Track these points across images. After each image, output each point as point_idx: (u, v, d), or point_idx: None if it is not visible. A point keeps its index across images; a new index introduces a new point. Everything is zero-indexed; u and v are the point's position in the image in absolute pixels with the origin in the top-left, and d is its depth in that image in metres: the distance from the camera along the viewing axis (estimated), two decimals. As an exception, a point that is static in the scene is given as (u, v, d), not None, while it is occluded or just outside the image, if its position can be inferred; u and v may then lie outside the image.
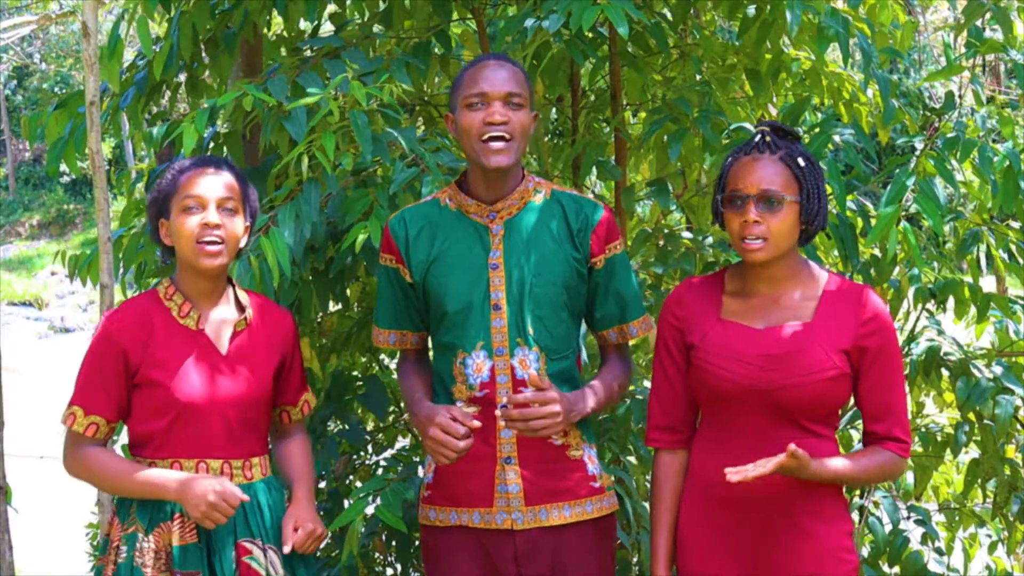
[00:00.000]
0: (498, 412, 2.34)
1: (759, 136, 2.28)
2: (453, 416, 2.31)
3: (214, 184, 2.35)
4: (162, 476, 2.31)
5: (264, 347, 2.43)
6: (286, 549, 2.34)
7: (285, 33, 3.59)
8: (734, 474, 2.11)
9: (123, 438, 2.53)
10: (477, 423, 2.32)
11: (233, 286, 2.48)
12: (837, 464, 2.23)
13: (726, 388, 2.25)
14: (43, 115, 3.38)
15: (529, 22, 2.80)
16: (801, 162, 2.25)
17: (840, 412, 2.38)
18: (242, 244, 2.41)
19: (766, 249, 2.22)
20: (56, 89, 22.05)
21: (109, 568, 2.34)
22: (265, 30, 3.54)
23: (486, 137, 2.34)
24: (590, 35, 3.17)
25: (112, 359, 2.35)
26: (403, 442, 3.91)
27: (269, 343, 2.44)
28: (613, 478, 2.73)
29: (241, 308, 2.45)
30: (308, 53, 3.23)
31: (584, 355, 3.00)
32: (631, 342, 2.59)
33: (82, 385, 2.38)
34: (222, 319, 2.41)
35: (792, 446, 2.11)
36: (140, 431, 2.37)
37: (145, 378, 2.34)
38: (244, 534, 2.35)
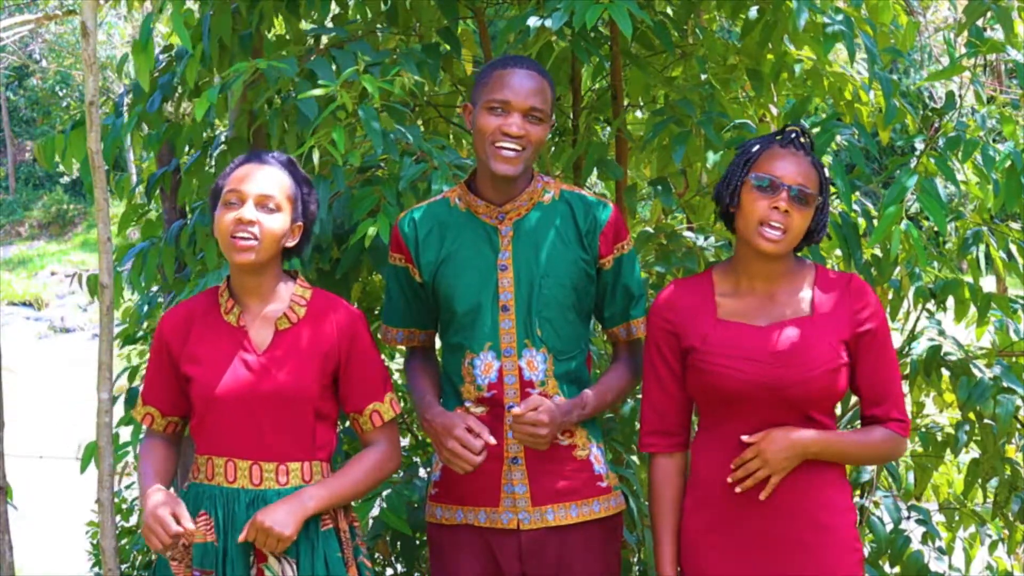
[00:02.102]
0: (510, 417, 2.33)
1: (794, 134, 2.30)
2: (469, 427, 2.32)
3: (256, 181, 2.32)
4: (147, 483, 2.35)
5: (309, 347, 2.35)
6: (240, 538, 2.27)
7: (287, 36, 3.59)
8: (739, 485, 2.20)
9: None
10: (492, 440, 2.32)
11: (297, 283, 2.42)
12: (843, 435, 2.28)
13: (735, 388, 2.25)
14: (59, 139, 3.37)
15: (533, 20, 2.79)
16: (826, 172, 2.31)
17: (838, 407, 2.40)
18: (289, 243, 2.37)
19: (783, 242, 2.23)
20: (56, 89, 22.03)
21: (154, 555, 2.41)
22: (266, 32, 3.54)
23: (498, 144, 2.34)
24: (592, 34, 3.17)
25: (159, 354, 2.42)
26: (404, 442, 3.91)
27: (316, 343, 2.36)
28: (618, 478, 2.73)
29: (291, 306, 2.39)
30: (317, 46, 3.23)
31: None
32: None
33: (145, 377, 2.48)
34: (267, 317, 2.38)
35: (745, 438, 2.22)
36: (191, 427, 2.41)
37: (184, 373, 2.37)
38: None
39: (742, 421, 2.27)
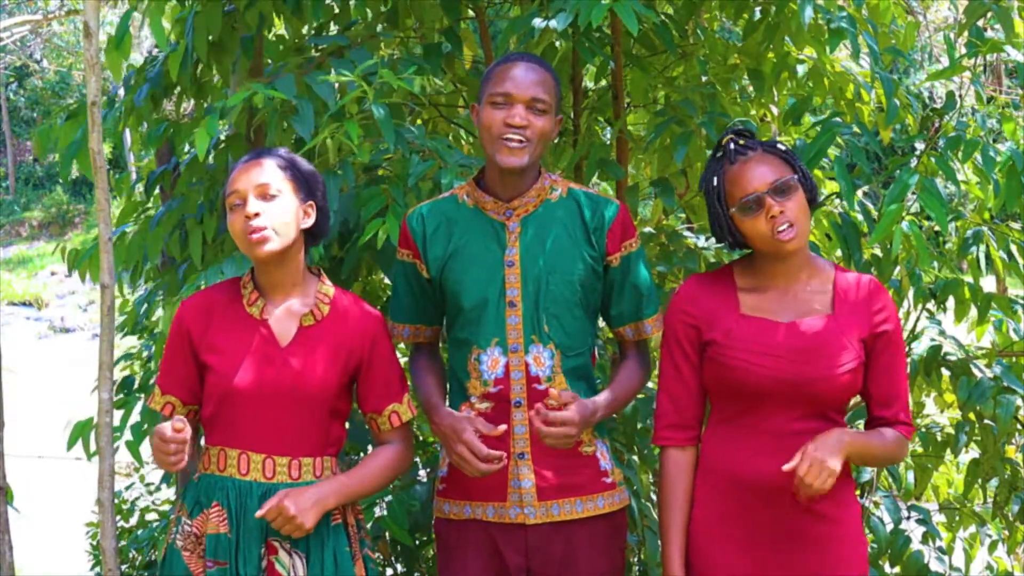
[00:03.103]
0: (535, 411, 2.31)
1: (732, 144, 2.32)
2: (477, 429, 2.33)
3: (250, 175, 2.33)
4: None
5: (332, 345, 2.37)
6: (257, 513, 2.28)
7: (286, 35, 3.59)
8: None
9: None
10: (503, 427, 2.33)
11: (321, 280, 2.44)
12: (864, 436, 2.28)
13: (757, 382, 2.26)
14: (54, 129, 3.37)
15: (537, 22, 2.80)
16: (781, 147, 2.31)
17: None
18: (305, 224, 2.37)
19: (797, 235, 2.24)
20: (56, 89, 22.03)
21: (164, 548, 2.40)
22: (266, 31, 3.54)
23: (504, 137, 2.35)
24: (596, 34, 3.17)
25: (179, 342, 2.40)
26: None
27: (339, 342, 2.37)
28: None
29: (316, 303, 2.40)
30: (313, 53, 3.23)
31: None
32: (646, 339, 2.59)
33: (161, 366, 2.46)
34: (291, 312, 2.38)
35: (786, 467, 2.16)
36: (203, 416, 2.41)
37: (203, 361, 2.37)
38: (275, 533, 2.32)
39: (760, 416, 2.28)
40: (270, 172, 2.34)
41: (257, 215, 2.29)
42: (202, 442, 2.47)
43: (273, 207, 2.31)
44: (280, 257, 2.34)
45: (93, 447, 3.09)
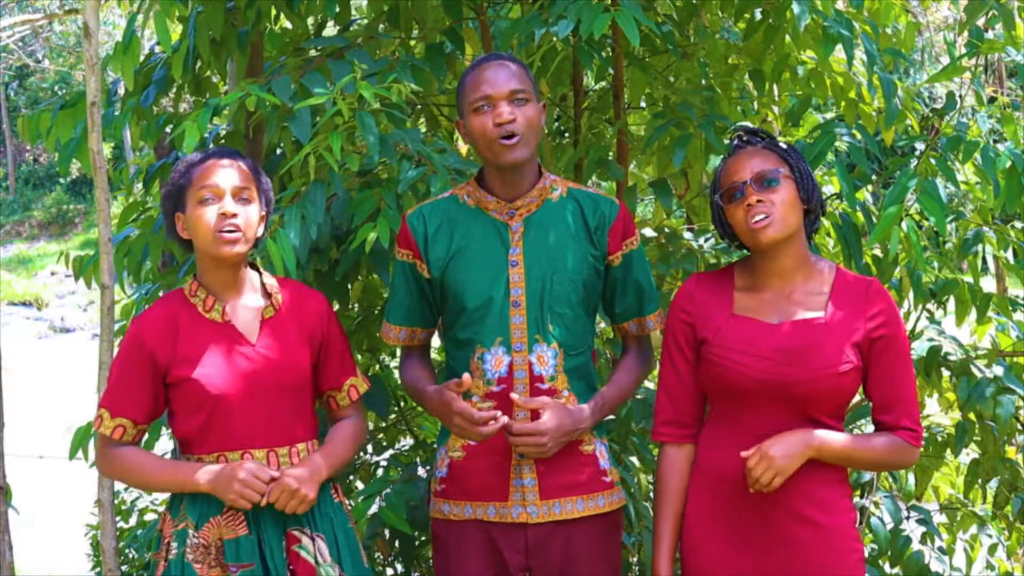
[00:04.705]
0: (516, 398, 2.36)
1: (736, 139, 2.37)
2: (458, 390, 2.34)
3: (229, 174, 2.35)
4: (192, 468, 2.33)
5: (296, 332, 2.42)
6: (263, 501, 2.29)
7: (291, 28, 3.58)
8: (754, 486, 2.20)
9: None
10: (498, 413, 2.34)
11: (260, 273, 2.47)
12: (843, 439, 2.25)
13: (742, 383, 2.27)
14: (44, 116, 3.36)
15: (539, 31, 2.81)
16: (783, 145, 2.33)
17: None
18: (258, 233, 2.42)
19: (774, 224, 2.24)
20: (56, 88, 22.03)
21: (160, 565, 2.37)
22: (268, 26, 3.53)
23: (500, 137, 2.35)
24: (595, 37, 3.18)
25: (139, 363, 2.36)
26: (404, 442, 3.91)
27: (301, 328, 2.43)
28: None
29: (268, 295, 2.44)
30: (312, 53, 3.22)
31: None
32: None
33: (111, 388, 2.39)
34: (248, 308, 2.41)
35: (743, 454, 2.20)
36: (184, 430, 2.39)
37: (177, 377, 2.35)
38: (292, 523, 2.36)
39: (748, 416, 2.28)
40: (245, 176, 2.38)
41: (235, 215, 2.32)
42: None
43: (247, 211, 2.36)
44: (241, 259, 2.38)
45: (93, 453, 3.08)
